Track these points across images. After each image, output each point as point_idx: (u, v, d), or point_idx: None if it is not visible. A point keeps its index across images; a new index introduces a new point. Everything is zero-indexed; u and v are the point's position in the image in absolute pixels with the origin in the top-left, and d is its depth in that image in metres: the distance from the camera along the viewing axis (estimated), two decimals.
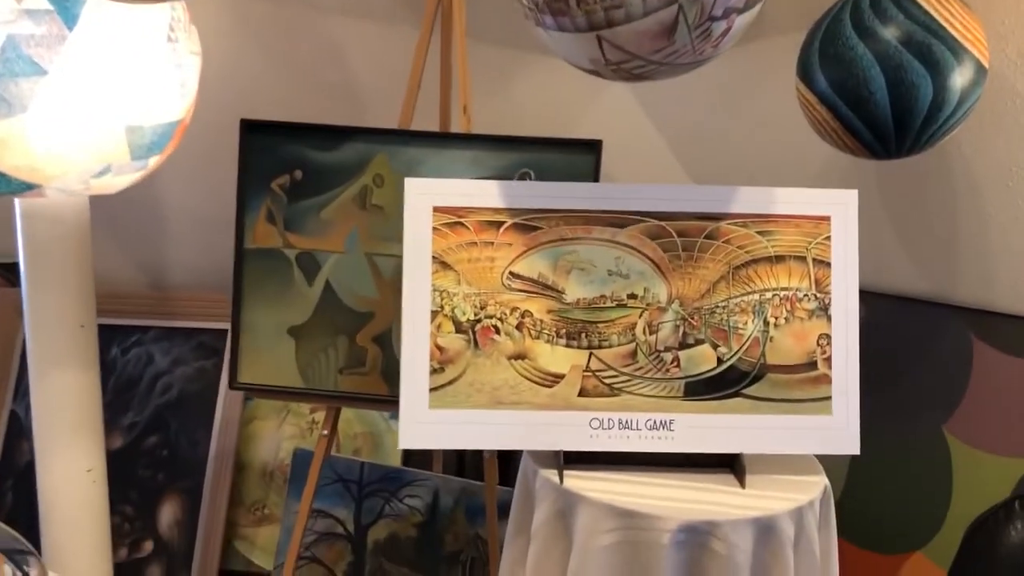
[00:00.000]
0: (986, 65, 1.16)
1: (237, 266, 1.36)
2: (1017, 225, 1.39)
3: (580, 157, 1.35)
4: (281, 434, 1.76)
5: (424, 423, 1.20)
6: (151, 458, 1.72)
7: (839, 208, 1.25)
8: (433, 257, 1.22)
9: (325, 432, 1.44)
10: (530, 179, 1.36)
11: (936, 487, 1.40)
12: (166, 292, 1.83)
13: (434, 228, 1.23)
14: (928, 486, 1.41)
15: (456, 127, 1.43)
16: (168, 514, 1.70)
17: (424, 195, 1.23)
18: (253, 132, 1.36)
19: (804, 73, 1.23)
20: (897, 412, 1.45)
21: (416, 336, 1.21)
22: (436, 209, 1.23)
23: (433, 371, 1.21)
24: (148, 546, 1.68)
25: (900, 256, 1.53)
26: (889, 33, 1.13)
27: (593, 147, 1.35)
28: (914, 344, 1.45)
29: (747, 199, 1.25)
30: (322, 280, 1.36)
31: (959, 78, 1.13)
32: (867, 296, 1.47)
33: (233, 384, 1.38)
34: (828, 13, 1.23)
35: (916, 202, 1.50)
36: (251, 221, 1.35)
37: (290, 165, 1.35)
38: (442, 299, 1.22)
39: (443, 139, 1.39)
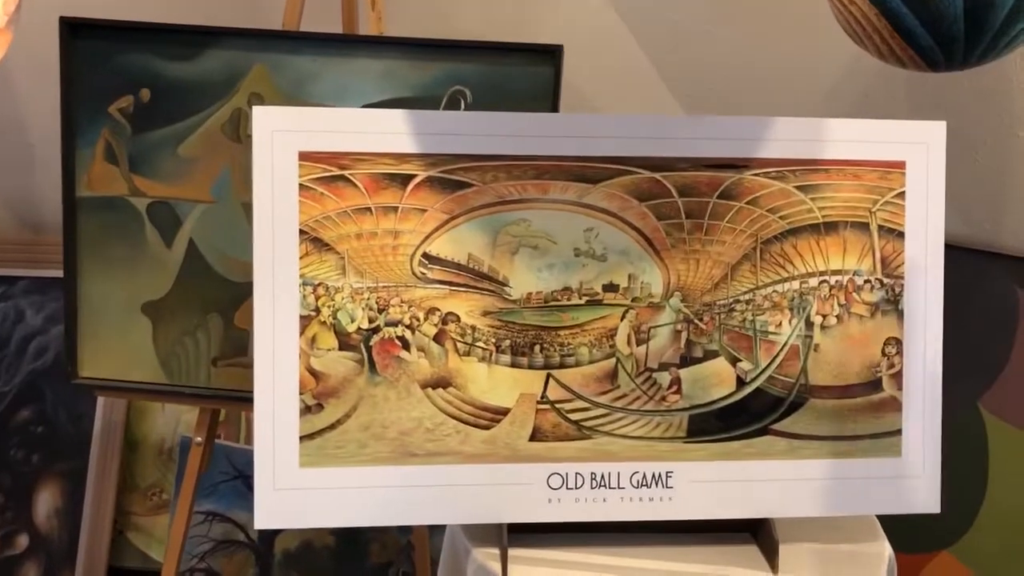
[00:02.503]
0: None
1: (67, 221, 1.13)
2: None
3: (533, 69, 1.08)
4: (180, 405, 1.55)
5: (292, 490, 0.79)
6: (23, 436, 1.55)
7: (919, 149, 0.86)
8: (301, 232, 0.79)
9: (199, 440, 1.20)
10: (464, 102, 1.08)
11: (969, 475, 1.24)
12: (39, 235, 1.60)
13: (302, 187, 0.79)
14: (959, 474, 1.22)
15: (364, 28, 1.20)
16: (46, 502, 1.54)
17: (284, 133, 0.78)
18: (79, 36, 1.12)
19: None
20: None
21: (276, 357, 0.78)
22: (304, 156, 0.79)
23: (305, 410, 0.79)
24: (22, 541, 1.53)
25: None
26: None
27: (551, 55, 1.08)
28: (948, 300, 1.30)
29: (782, 136, 0.84)
30: (184, 239, 1.12)
31: None
32: None
33: (72, 379, 1.16)
34: None
35: (957, 128, 1.24)
36: (84, 160, 1.13)
37: (134, 82, 1.12)
38: (317, 298, 0.79)
39: (345, 44, 1.13)
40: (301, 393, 0.81)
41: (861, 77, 1.28)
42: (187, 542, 1.48)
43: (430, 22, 1.36)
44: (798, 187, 0.85)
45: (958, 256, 1.24)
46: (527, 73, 1.11)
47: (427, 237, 0.82)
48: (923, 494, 0.87)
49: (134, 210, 1.12)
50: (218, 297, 1.13)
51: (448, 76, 1.12)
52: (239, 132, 1.11)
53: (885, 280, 0.87)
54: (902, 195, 0.87)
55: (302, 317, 0.81)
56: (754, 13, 1.35)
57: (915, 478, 0.87)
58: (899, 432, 0.87)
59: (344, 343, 0.81)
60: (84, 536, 1.51)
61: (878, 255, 0.87)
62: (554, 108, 1.14)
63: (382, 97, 1.13)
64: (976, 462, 1.24)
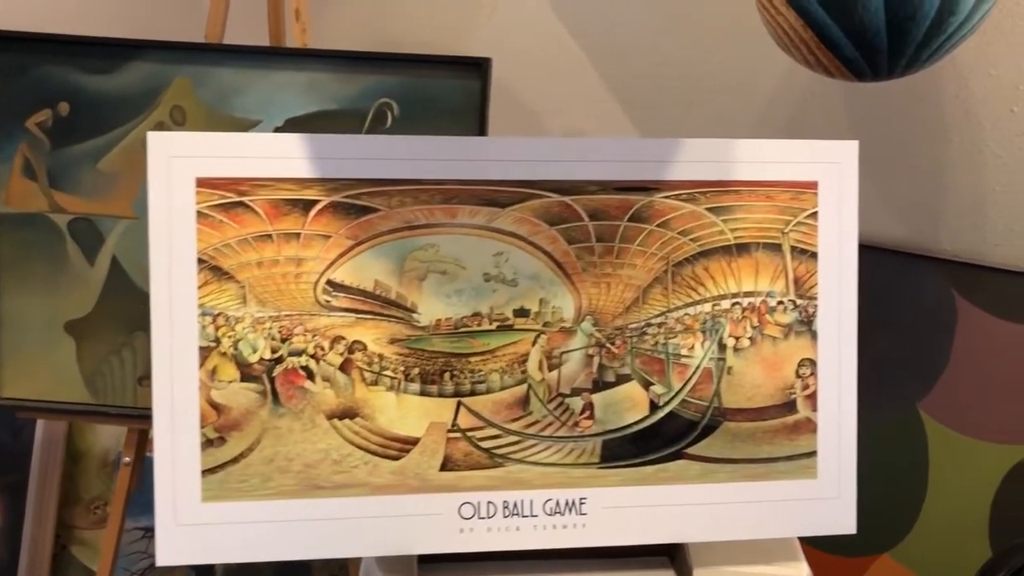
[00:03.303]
0: None
1: None
2: (1021, 160, 1.20)
3: (461, 83, 1.08)
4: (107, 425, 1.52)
5: (194, 525, 0.76)
6: None
7: (831, 169, 0.85)
8: (200, 261, 0.76)
9: (127, 460, 1.18)
10: (392, 113, 1.08)
11: (909, 478, 1.24)
12: None
13: (200, 213, 0.76)
14: (900, 477, 1.24)
15: (289, 40, 1.17)
16: None
17: (181, 159, 0.76)
18: None
19: None
20: (862, 388, 1.23)
21: (175, 390, 0.76)
22: (202, 183, 0.76)
23: (207, 443, 0.77)
24: None
25: (871, 195, 1.27)
26: None
27: (479, 68, 1.08)
28: (885, 303, 1.29)
29: (692, 158, 0.82)
30: (107, 256, 1.09)
31: None
32: None
33: None
34: None
35: (894, 129, 1.28)
36: (1, 175, 1.09)
37: (52, 95, 1.09)
38: (217, 329, 0.77)
39: (268, 56, 1.11)
40: (202, 427, 0.78)
41: (801, 80, 1.28)
42: (126, 559, 1.48)
43: (360, 34, 1.33)
44: (709, 209, 0.84)
45: (896, 260, 1.28)
46: (455, 86, 1.11)
47: (331, 264, 0.80)
48: (839, 514, 0.86)
49: (55, 227, 1.09)
50: (143, 315, 1.05)
51: (374, 89, 1.11)
52: None
53: (798, 301, 0.86)
54: (814, 215, 0.86)
55: (201, 348, 0.78)
56: (695, 22, 1.35)
57: (831, 499, 0.86)
58: (814, 453, 0.86)
59: (246, 374, 0.79)
60: (25, 551, 1.46)
61: (791, 276, 0.86)
62: (482, 121, 1.13)
63: (307, 110, 1.12)
64: (916, 465, 1.24)
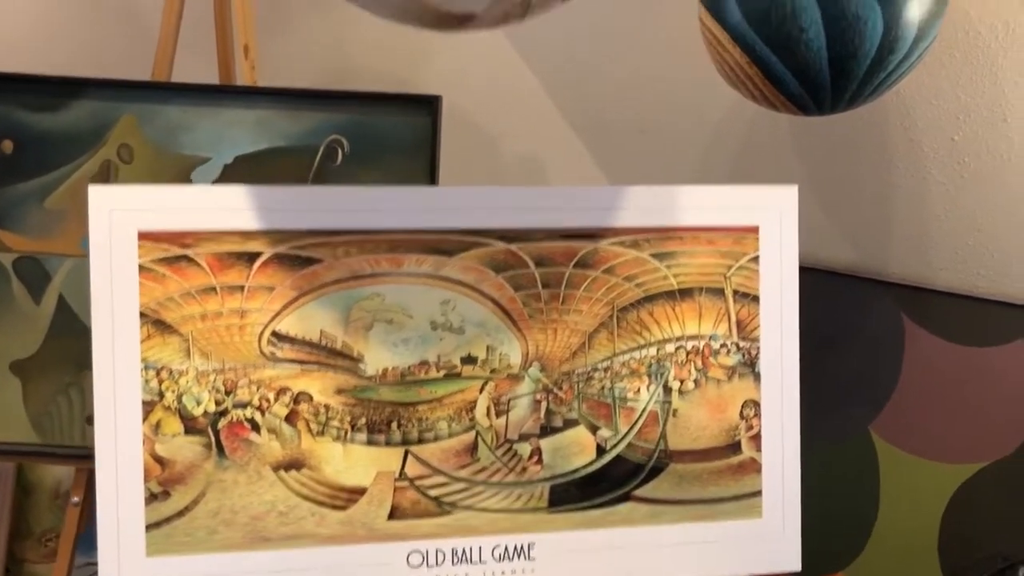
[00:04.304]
0: None
1: None
2: (962, 186, 1.20)
3: (411, 119, 1.09)
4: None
5: None
6: None
7: (771, 214, 0.86)
8: (143, 315, 0.76)
9: (76, 500, 1.15)
10: (342, 150, 1.08)
11: (860, 499, 1.23)
12: None
13: (143, 268, 0.75)
14: (851, 498, 1.24)
15: (239, 76, 1.16)
16: None
17: (122, 212, 0.75)
18: None
19: (711, 1, 0.96)
20: (814, 409, 1.21)
21: (118, 444, 0.75)
22: (145, 236, 0.76)
23: (151, 498, 0.76)
24: None
25: (819, 219, 1.30)
26: None
27: (428, 105, 1.08)
28: (835, 326, 1.28)
29: (636, 205, 0.84)
30: (53, 295, 1.07)
31: (916, 9, 0.90)
32: None
33: None
34: None
35: (840, 155, 1.28)
36: None
37: None
38: (161, 382, 0.76)
39: (215, 94, 1.10)
40: (146, 481, 0.78)
41: (749, 109, 1.25)
42: None
43: (311, 67, 1.33)
44: (653, 255, 0.85)
45: (845, 283, 1.28)
46: (406, 123, 1.11)
47: (276, 315, 0.80)
48: (784, 553, 0.88)
49: None
50: (91, 353, 1.08)
51: (325, 126, 1.10)
52: (109, 183, 1.07)
53: (741, 343, 0.87)
54: (756, 259, 0.88)
55: (145, 403, 0.78)
56: (647, 52, 1.36)
57: (776, 538, 0.87)
58: (759, 493, 0.88)
59: (190, 427, 0.79)
60: None
61: (733, 319, 0.87)
62: (433, 157, 1.13)
63: (257, 147, 1.11)
64: (868, 486, 1.25)
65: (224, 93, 1.11)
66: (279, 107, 1.09)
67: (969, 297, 1.23)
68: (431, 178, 1.17)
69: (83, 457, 1.09)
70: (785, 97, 0.96)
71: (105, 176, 1.07)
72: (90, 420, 1.05)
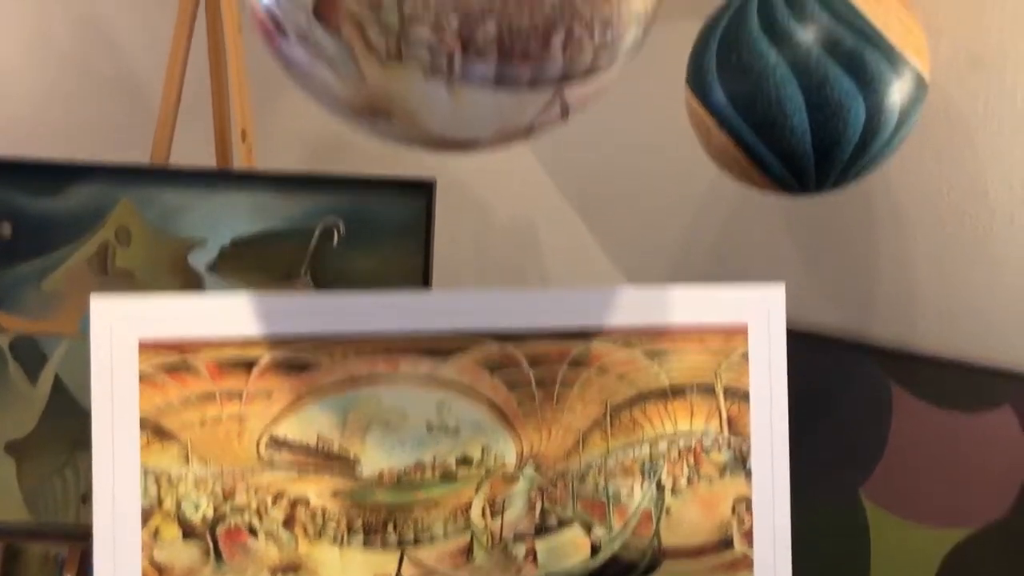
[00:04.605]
0: (927, 78, 0.96)
1: None
2: (945, 254, 1.21)
3: (407, 201, 1.11)
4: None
5: None
6: None
7: (759, 312, 0.88)
8: (143, 422, 0.76)
9: None
10: (338, 232, 1.10)
11: (851, 563, 1.23)
12: None
13: (143, 375, 0.76)
14: (843, 562, 1.23)
15: (236, 160, 1.18)
16: None
17: (123, 322, 0.76)
18: None
19: (697, 84, 0.98)
20: (804, 473, 1.20)
21: (117, 550, 0.76)
22: (145, 345, 0.76)
23: None
24: None
25: (805, 282, 1.30)
26: (809, 37, 0.91)
27: (423, 189, 1.10)
28: (823, 391, 1.28)
29: (627, 305, 0.85)
30: (50, 376, 1.08)
31: (897, 95, 0.92)
32: None
33: None
34: (727, 7, 0.98)
35: (826, 223, 1.29)
36: None
37: None
38: (159, 489, 0.77)
39: (212, 178, 1.11)
40: None
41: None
42: None
43: (307, 149, 1.34)
44: (645, 353, 0.87)
45: (832, 347, 1.28)
46: (401, 205, 1.13)
47: (274, 420, 0.81)
48: None
49: None
50: (86, 433, 1.04)
51: (320, 208, 1.12)
52: (106, 266, 1.08)
53: (732, 440, 0.89)
54: (745, 356, 0.89)
55: (144, 509, 0.78)
56: (638, 122, 1.37)
57: None
58: None
59: (189, 533, 0.79)
60: None
61: (724, 416, 0.89)
62: (428, 238, 1.14)
63: (253, 229, 1.12)
64: (859, 550, 1.24)
65: (222, 177, 1.13)
66: (276, 190, 1.11)
67: (955, 362, 1.22)
68: (426, 258, 1.19)
69: (77, 537, 1.09)
70: (770, 179, 0.98)
71: (103, 258, 1.08)
72: (85, 499, 1.08)
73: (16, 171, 1.08)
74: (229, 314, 0.79)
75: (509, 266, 1.53)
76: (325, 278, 1.16)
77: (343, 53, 0.58)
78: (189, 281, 1.12)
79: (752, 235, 1.34)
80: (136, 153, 1.19)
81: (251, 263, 1.14)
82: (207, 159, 1.23)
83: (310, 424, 0.81)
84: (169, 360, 0.78)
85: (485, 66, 0.58)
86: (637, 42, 0.67)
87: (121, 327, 0.77)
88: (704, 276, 1.39)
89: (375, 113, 0.63)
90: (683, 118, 1.05)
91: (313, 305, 0.80)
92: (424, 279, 1.19)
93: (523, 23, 0.57)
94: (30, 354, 1.07)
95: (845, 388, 1.27)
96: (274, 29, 0.61)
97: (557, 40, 0.59)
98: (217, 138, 1.19)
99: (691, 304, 0.87)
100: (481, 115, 0.62)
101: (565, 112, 0.68)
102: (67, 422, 1.08)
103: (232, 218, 1.10)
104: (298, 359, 0.81)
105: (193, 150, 1.21)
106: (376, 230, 1.14)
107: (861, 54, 0.91)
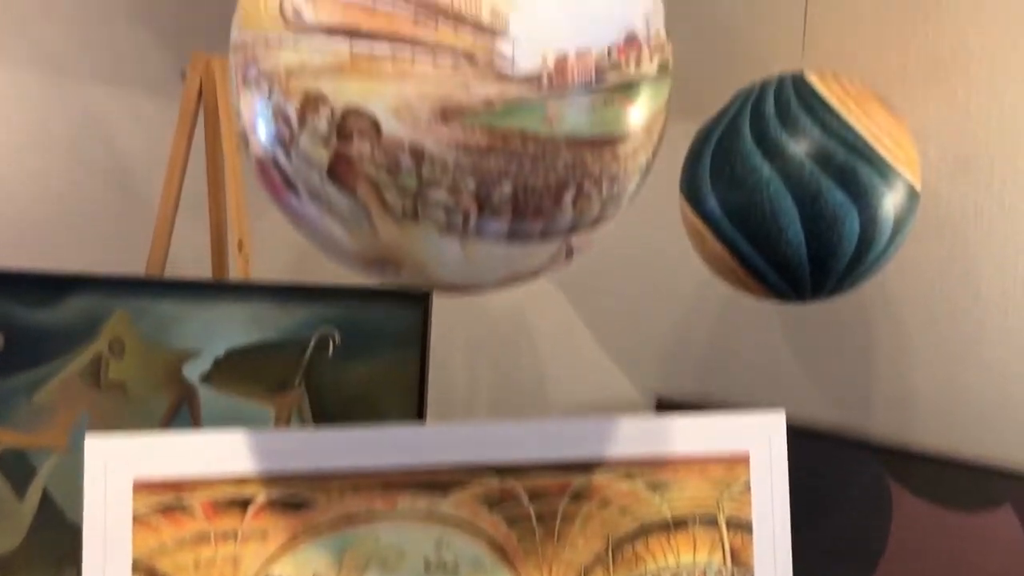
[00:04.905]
0: (918, 188, 0.96)
1: None
2: (940, 352, 1.21)
3: (402, 311, 1.11)
4: None
5: None
6: None
7: (761, 440, 0.87)
8: (136, 563, 0.74)
9: None
10: (333, 341, 1.10)
11: None
12: None
13: (137, 517, 0.75)
14: None
15: (233, 271, 1.18)
16: None
17: (118, 462, 0.75)
18: None
19: (691, 193, 0.99)
20: (804, 573, 1.18)
21: None
22: (139, 486, 0.75)
23: None
24: None
25: (802, 380, 1.30)
26: (802, 150, 0.92)
27: (419, 299, 1.11)
28: (821, 488, 1.28)
29: (627, 436, 0.84)
30: (38, 490, 1.05)
31: (891, 207, 0.93)
32: None
33: None
34: (720, 118, 0.99)
35: (823, 322, 1.29)
36: None
37: None
38: None
39: (207, 289, 1.11)
40: None
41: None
42: None
43: (304, 260, 1.34)
44: (647, 485, 0.86)
45: (829, 444, 1.27)
46: (397, 314, 1.12)
47: (269, 560, 0.79)
48: None
49: None
50: (74, 549, 1.04)
51: (316, 318, 1.12)
52: (99, 378, 1.07)
53: (736, 572, 0.87)
54: (748, 486, 0.88)
55: None
56: (631, 220, 1.35)
57: None
58: None
59: None
60: None
61: (727, 547, 0.87)
62: (424, 348, 1.14)
63: (248, 340, 1.12)
64: None
65: (218, 288, 1.13)
66: (272, 301, 1.11)
67: (954, 461, 1.21)
68: (421, 367, 1.18)
69: None
70: (766, 288, 0.98)
71: (96, 370, 1.07)
72: None
73: (11, 282, 1.07)
74: (224, 451, 0.78)
75: (503, 356, 1.52)
76: (320, 388, 1.15)
77: (357, 212, 0.59)
78: (183, 393, 1.11)
79: (748, 332, 1.34)
80: (131, 255, 1.18)
81: (245, 374, 1.13)
82: (203, 268, 1.22)
83: (306, 564, 0.79)
84: (164, 500, 0.77)
85: (499, 223, 0.59)
86: (638, 188, 0.68)
87: (116, 466, 0.76)
88: (699, 370, 1.38)
89: (384, 264, 0.63)
90: (677, 217, 1.05)
91: (309, 441, 0.79)
92: (420, 388, 1.19)
93: (538, 183, 0.58)
94: (19, 468, 1.05)
95: (844, 485, 1.26)
96: (282, 183, 0.61)
97: (568, 197, 0.60)
98: (214, 248, 1.19)
99: (692, 433, 0.86)
100: (491, 265, 0.63)
101: (570, 255, 0.68)
102: (55, 537, 1.05)
103: (227, 328, 1.10)
104: (294, 497, 0.79)
105: (189, 260, 1.21)
106: (372, 339, 1.14)
107: (853, 168, 0.92)
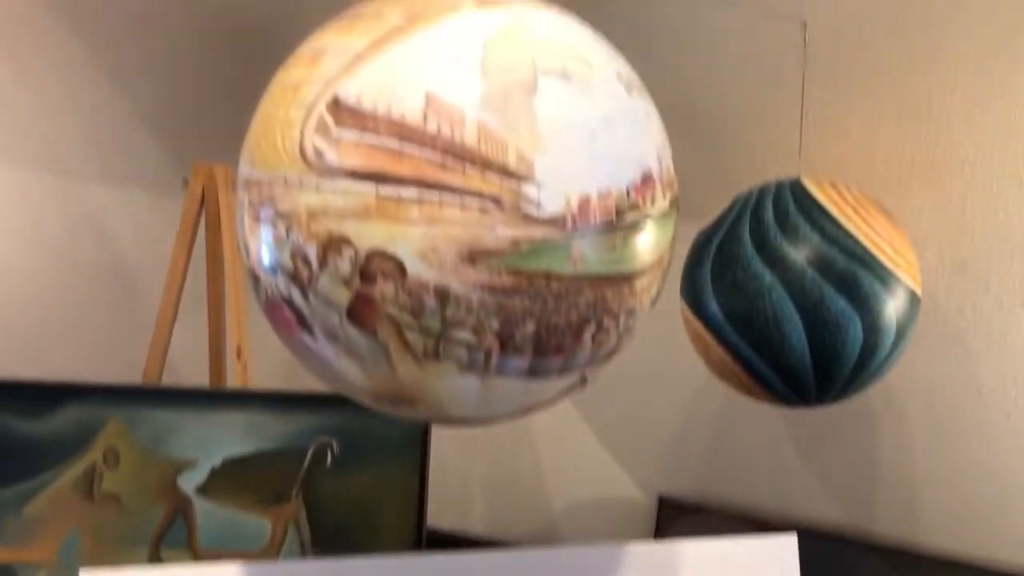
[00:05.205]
0: (919, 293, 0.97)
1: None
2: (944, 451, 1.21)
3: (401, 421, 1.07)
4: None
5: None
6: None
7: (772, 565, 0.85)
8: None
9: None
10: (332, 451, 1.08)
11: None
12: None
13: None
14: None
15: (231, 378, 1.16)
16: None
17: None
18: None
19: (693, 298, 0.99)
20: None
21: None
22: None
23: None
24: None
25: (806, 480, 1.29)
26: (802, 257, 0.92)
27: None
28: None
29: (640, 561, 0.82)
30: None
31: (893, 313, 0.93)
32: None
33: None
34: (719, 223, 0.99)
35: (826, 421, 1.27)
36: None
37: None
38: None
39: (205, 398, 1.09)
40: None
41: None
42: None
43: (298, 369, 1.33)
44: None
45: (834, 545, 1.26)
46: (396, 423, 1.11)
47: None
48: None
49: None
50: None
51: (314, 427, 1.10)
52: (92, 490, 1.05)
53: None
54: None
55: None
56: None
57: None
58: None
59: None
60: None
61: None
62: (424, 456, 1.11)
63: (245, 449, 1.10)
64: None
65: (214, 397, 1.11)
66: (270, 409, 1.09)
67: (962, 563, 1.20)
68: (421, 477, 1.16)
69: None
70: (771, 394, 0.98)
71: (89, 482, 1.05)
72: None
73: (3, 392, 1.05)
74: None
75: (502, 455, 1.50)
76: (317, 500, 1.13)
77: (376, 352, 0.58)
78: (178, 504, 1.09)
79: (751, 430, 1.32)
80: (128, 361, 1.17)
81: (242, 484, 1.11)
82: (200, 375, 1.21)
83: None
84: None
85: (521, 361, 0.58)
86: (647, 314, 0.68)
87: None
88: (702, 468, 1.36)
89: (399, 401, 0.62)
90: (678, 318, 1.04)
91: (299, 573, 0.77)
92: (420, 496, 1.16)
93: (560, 321, 0.58)
94: None
95: None
96: (296, 322, 0.61)
97: (588, 333, 0.60)
98: (212, 356, 1.17)
99: (705, 557, 0.85)
100: (509, 399, 0.62)
101: (583, 383, 0.68)
102: None
103: (225, 437, 1.08)
104: None
105: (185, 367, 1.20)
106: (371, 449, 1.12)
107: (854, 274, 0.92)
